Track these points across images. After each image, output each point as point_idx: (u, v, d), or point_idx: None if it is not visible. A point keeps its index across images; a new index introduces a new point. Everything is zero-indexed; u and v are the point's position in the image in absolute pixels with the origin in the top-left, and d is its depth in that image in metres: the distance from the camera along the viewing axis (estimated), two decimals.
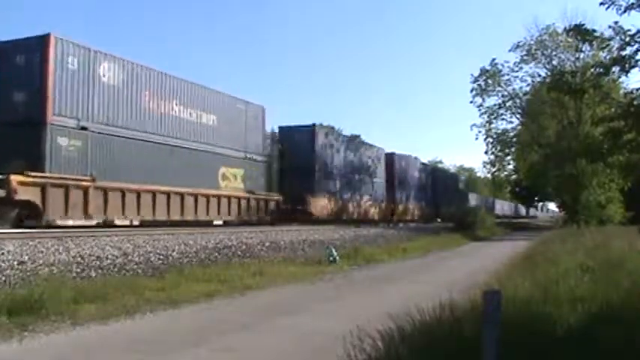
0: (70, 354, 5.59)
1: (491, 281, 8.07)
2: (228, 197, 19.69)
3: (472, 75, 36.11)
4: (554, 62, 33.98)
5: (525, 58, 34.85)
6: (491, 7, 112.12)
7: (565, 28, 16.57)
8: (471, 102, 36.45)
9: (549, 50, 34.06)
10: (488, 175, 47.56)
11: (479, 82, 36.18)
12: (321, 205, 26.02)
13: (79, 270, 9.58)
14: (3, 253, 9.01)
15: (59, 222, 13.41)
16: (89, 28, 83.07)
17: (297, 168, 24.84)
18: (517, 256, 14.46)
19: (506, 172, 43.10)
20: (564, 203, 39.80)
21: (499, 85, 36.11)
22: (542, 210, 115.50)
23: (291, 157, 24.91)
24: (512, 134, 37.88)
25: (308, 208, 24.75)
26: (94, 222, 14.41)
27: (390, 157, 35.49)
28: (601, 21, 13.96)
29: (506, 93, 36.37)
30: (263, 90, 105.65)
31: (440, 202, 44.56)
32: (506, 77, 35.78)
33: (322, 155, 27.08)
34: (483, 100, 36.52)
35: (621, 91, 23.39)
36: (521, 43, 34.60)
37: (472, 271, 12.48)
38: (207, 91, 19.61)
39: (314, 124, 26.80)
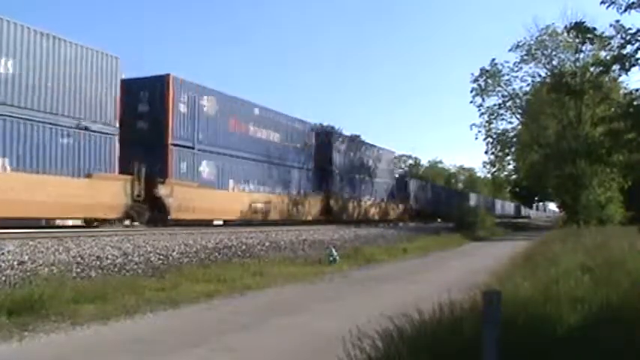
0: (70, 354, 5.58)
1: (492, 281, 8.08)
2: None
3: (472, 75, 36.19)
4: (554, 62, 34.05)
5: (525, 58, 34.90)
6: (492, 7, 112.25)
7: (565, 27, 16.60)
8: (471, 102, 36.51)
9: (549, 50, 34.08)
10: (488, 175, 47.59)
11: (479, 82, 36.23)
12: None
13: (79, 270, 9.58)
14: (3, 253, 9.01)
15: None
16: (89, 27, 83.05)
17: None
18: (517, 256, 14.45)
19: (506, 172, 43.18)
20: (564, 203, 39.79)
21: (499, 85, 36.14)
22: (538, 209, 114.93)
23: None
24: (512, 134, 37.91)
25: None
26: None
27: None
28: (601, 21, 14.00)
29: (506, 93, 36.42)
30: (263, 90, 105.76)
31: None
32: (506, 77, 35.86)
33: None
34: (483, 100, 36.58)
35: (621, 92, 23.46)
36: (521, 43, 34.66)
37: (472, 271, 12.48)
38: None
39: None
